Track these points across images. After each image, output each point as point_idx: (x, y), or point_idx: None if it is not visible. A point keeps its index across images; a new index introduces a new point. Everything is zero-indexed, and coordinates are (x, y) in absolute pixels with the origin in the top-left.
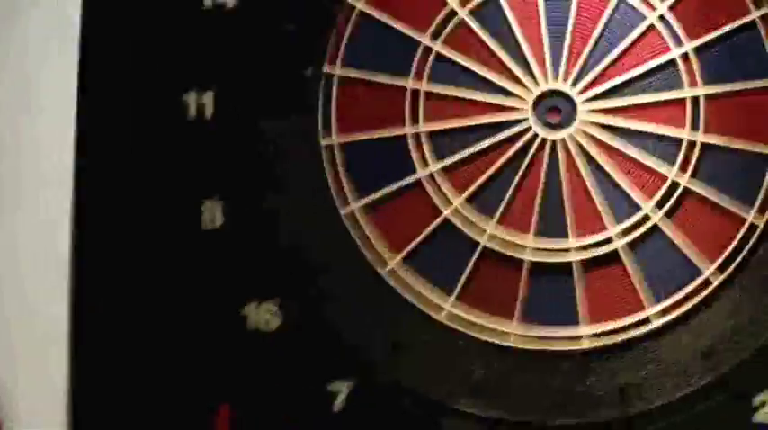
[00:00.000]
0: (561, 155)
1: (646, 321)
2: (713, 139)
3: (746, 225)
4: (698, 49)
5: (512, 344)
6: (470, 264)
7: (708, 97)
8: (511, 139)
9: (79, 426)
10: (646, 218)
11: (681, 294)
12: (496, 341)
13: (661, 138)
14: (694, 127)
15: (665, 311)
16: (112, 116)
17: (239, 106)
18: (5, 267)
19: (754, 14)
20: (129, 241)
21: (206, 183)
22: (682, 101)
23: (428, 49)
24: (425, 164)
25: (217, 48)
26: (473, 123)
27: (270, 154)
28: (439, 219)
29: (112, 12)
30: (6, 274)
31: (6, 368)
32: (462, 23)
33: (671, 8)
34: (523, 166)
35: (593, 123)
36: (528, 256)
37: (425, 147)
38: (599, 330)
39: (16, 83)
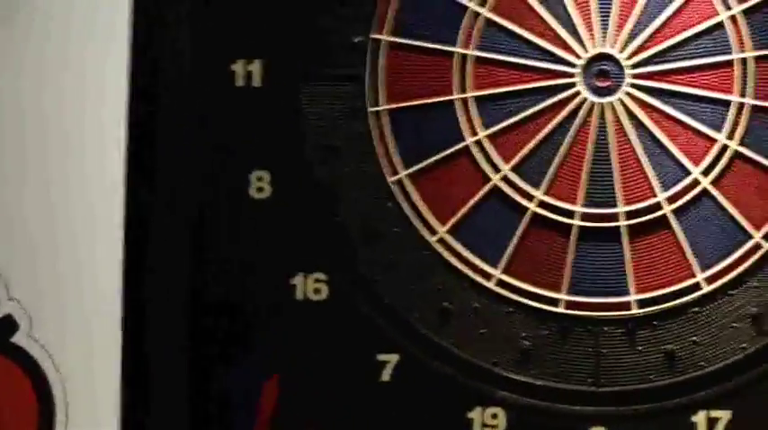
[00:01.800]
0: (609, 119)
1: (695, 287)
2: (762, 103)
3: None
4: (746, 12)
5: (561, 311)
6: (519, 231)
7: (757, 59)
8: (560, 104)
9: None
10: (694, 182)
11: (730, 259)
12: (545, 307)
13: (709, 101)
14: (743, 90)
15: (714, 277)
16: (163, 83)
17: (287, 74)
18: (62, 232)
19: None
20: (180, 208)
21: (254, 152)
22: (730, 64)
23: (476, 15)
24: (473, 131)
25: (264, 16)
26: (521, 88)
27: (318, 122)
28: (488, 186)
29: None
30: (63, 238)
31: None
32: None
33: None
34: (572, 132)
35: (641, 87)
36: (576, 222)
37: (473, 113)
38: (648, 296)
39: (74, 60)
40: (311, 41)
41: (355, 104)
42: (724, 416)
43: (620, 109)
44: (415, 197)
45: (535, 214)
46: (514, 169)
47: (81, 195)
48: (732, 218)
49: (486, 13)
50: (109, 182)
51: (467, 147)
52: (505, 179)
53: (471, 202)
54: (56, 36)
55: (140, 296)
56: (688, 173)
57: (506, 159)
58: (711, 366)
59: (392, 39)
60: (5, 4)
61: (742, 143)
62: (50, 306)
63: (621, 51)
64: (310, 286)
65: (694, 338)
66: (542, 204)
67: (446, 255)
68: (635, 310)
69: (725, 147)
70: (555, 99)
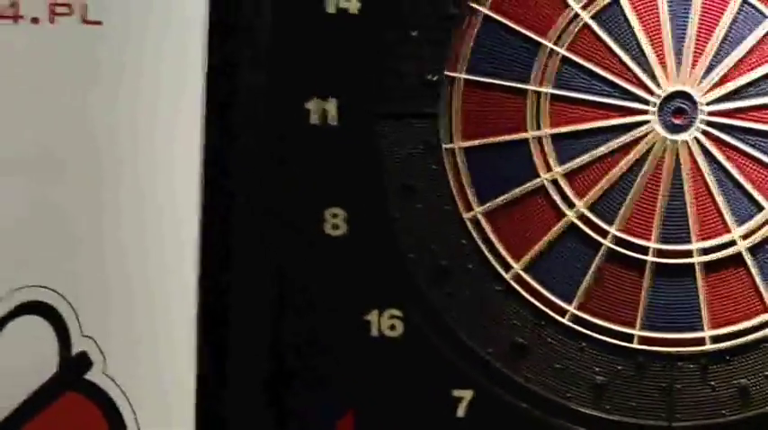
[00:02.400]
0: (684, 156)
1: None
2: None
3: None
4: None
5: (635, 346)
6: (594, 266)
7: None
8: (634, 142)
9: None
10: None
11: None
12: (620, 343)
13: None
14: None
15: None
16: (238, 123)
17: (362, 112)
18: (136, 274)
19: None
20: (257, 245)
21: (329, 189)
22: None
23: (552, 53)
24: (548, 168)
25: (340, 53)
26: (597, 126)
27: (392, 160)
28: (562, 222)
29: (234, 17)
30: (137, 274)
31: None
32: (585, 26)
33: None
34: (646, 168)
35: (715, 125)
36: (651, 258)
37: (548, 151)
38: (721, 332)
39: (149, 90)
40: (386, 79)
41: (430, 142)
42: None
43: (694, 146)
44: (490, 234)
45: (610, 250)
46: (589, 206)
47: (156, 234)
48: None
49: (561, 50)
50: (184, 222)
51: (542, 184)
52: (580, 216)
53: (546, 239)
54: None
55: (217, 337)
56: (762, 209)
57: (581, 196)
58: None
59: (467, 76)
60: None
61: None
62: (124, 344)
63: (696, 88)
64: (385, 323)
65: (767, 373)
66: (617, 240)
67: (521, 291)
68: (709, 346)
69: None
70: (629, 136)
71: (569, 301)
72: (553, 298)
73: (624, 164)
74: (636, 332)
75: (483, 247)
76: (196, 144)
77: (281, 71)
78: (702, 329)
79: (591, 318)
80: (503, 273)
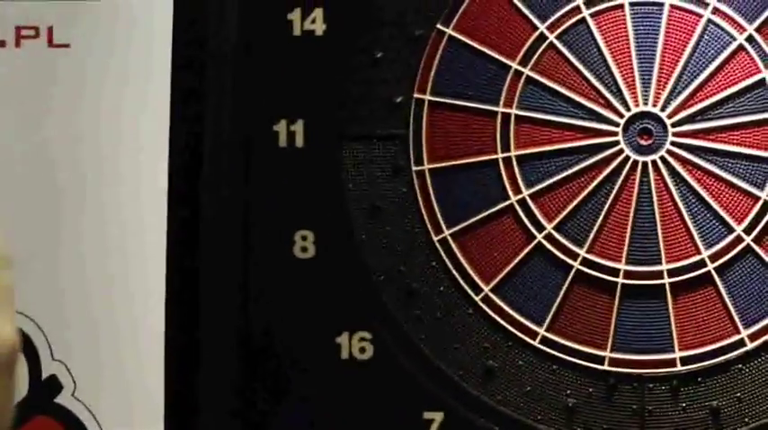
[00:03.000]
0: (652, 177)
1: (739, 344)
2: None
3: None
4: None
5: (606, 368)
6: (564, 288)
7: None
8: (602, 163)
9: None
10: (737, 240)
11: None
12: (590, 365)
13: (752, 159)
14: None
15: (758, 334)
16: (206, 146)
17: (330, 134)
18: (104, 299)
19: None
20: (225, 268)
21: (298, 212)
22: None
23: (518, 74)
24: (517, 189)
25: (306, 75)
26: (564, 147)
27: (360, 182)
28: (531, 245)
29: (199, 40)
30: (105, 299)
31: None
32: (551, 47)
33: (759, 29)
34: (615, 190)
35: (683, 145)
36: (620, 280)
37: (516, 172)
38: (692, 353)
39: (114, 112)
40: (353, 101)
41: (398, 164)
42: None
43: (662, 166)
44: (460, 256)
45: (579, 272)
46: (558, 227)
47: (122, 259)
48: None
49: (528, 72)
50: (151, 245)
51: (511, 205)
52: (549, 237)
53: (515, 261)
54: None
55: (188, 358)
56: (731, 230)
57: (550, 218)
58: (756, 422)
59: (434, 98)
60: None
61: None
62: (94, 368)
63: (663, 110)
64: (355, 345)
65: (738, 394)
66: (586, 262)
67: (490, 313)
68: (679, 367)
69: (767, 205)
70: (598, 157)
71: (540, 323)
72: (523, 320)
73: (592, 185)
74: (607, 354)
75: (453, 269)
76: (163, 167)
77: (248, 94)
78: (673, 351)
79: (561, 340)
80: (472, 295)
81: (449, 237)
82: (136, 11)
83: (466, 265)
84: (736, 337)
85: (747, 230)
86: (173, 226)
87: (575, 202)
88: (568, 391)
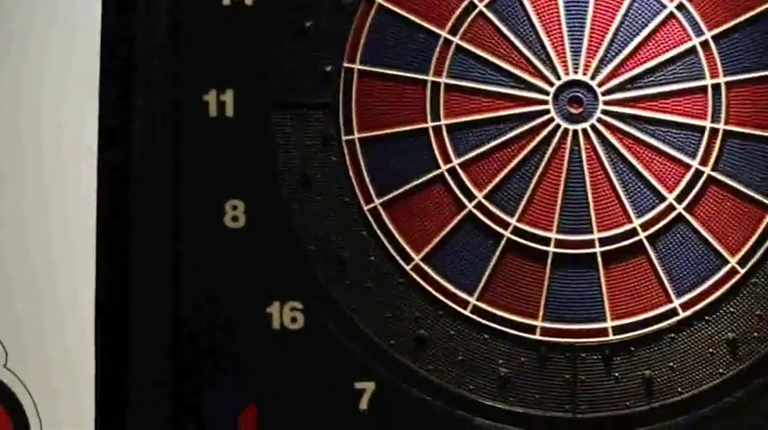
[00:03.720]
0: (583, 145)
1: (671, 313)
2: (735, 128)
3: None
4: (717, 37)
5: (538, 338)
6: (495, 258)
7: (728, 85)
8: (532, 131)
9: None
10: (669, 208)
11: (706, 285)
12: (522, 335)
13: (683, 127)
14: (715, 116)
15: (690, 303)
16: (136, 117)
17: (259, 104)
18: (37, 271)
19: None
20: (157, 239)
21: (228, 182)
22: (703, 89)
23: (448, 43)
24: (447, 158)
25: (236, 45)
26: (494, 116)
27: (291, 151)
28: (462, 214)
29: (131, 10)
30: (38, 271)
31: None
32: (481, 16)
33: None
34: (546, 158)
35: (614, 114)
36: (552, 249)
37: (447, 141)
38: (624, 322)
39: (37, 78)
40: (282, 71)
41: (328, 133)
42: None
43: (593, 135)
44: (390, 225)
45: (510, 241)
46: (488, 196)
47: (55, 231)
48: (707, 243)
49: (457, 40)
50: (80, 215)
51: (441, 174)
52: (480, 206)
53: (446, 230)
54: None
55: (120, 327)
56: (663, 198)
57: (480, 187)
58: (688, 392)
59: (364, 67)
60: None
61: (716, 169)
62: (26, 340)
63: (594, 78)
64: (287, 315)
65: (671, 364)
66: (517, 231)
67: (421, 282)
68: (611, 337)
69: (699, 173)
70: (528, 126)
71: (471, 293)
72: (455, 289)
73: (523, 153)
74: (538, 323)
75: (383, 239)
76: (91, 138)
77: (178, 64)
78: (605, 320)
79: (493, 309)
80: (403, 264)
81: (379, 207)
82: None
83: (396, 235)
84: (668, 306)
85: (679, 198)
86: (102, 196)
87: (505, 171)
88: (500, 361)
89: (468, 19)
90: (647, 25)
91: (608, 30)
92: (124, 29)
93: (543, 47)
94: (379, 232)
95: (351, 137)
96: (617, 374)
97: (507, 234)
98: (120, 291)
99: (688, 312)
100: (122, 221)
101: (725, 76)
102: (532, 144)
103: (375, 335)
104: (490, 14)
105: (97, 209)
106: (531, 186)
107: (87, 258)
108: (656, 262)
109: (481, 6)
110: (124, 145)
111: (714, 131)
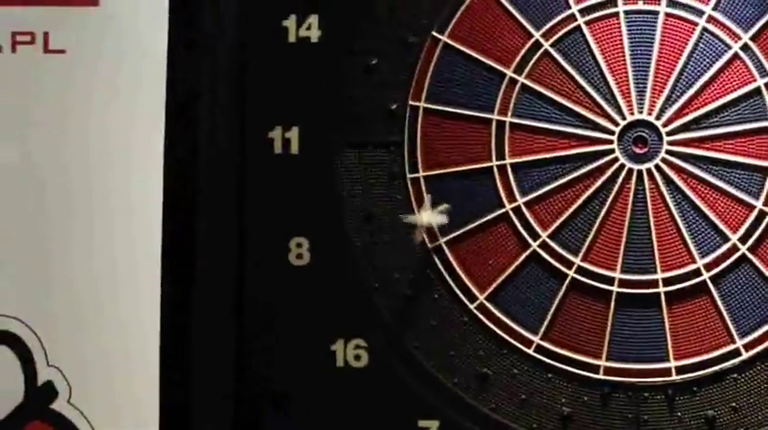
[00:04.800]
0: (647, 185)
1: (734, 353)
2: None
3: None
4: None
5: (601, 377)
6: (558, 297)
7: None
8: (597, 171)
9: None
10: (733, 249)
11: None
12: (585, 373)
13: (746, 167)
14: None
15: (753, 343)
16: (202, 155)
17: (325, 141)
18: (105, 305)
19: None
20: (221, 276)
21: (293, 219)
22: (767, 130)
23: (513, 82)
24: (512, 197)
25: (301, 82)
26: (558, 155)
27: (355, 189)
28: (526, 253)
29: (197, 47)
30: (105, 305)
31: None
32: (546, 54)
33: (754, 38)
34: (610, 198)
35: (678, 154)
36: (615, 288)
37: (511, 180)
38: (687, 363)
39: (106, 110)
40: (347, 108)
41: (393, 171)
42: None
43: (657, 175)
44: (455, 264)
45: (574, 280)
46: (553, 236)
47: (124, 264)
48: None
49: (522, 79)
50: (145, 251)
51: (506, 213)
52: (544, 245)
53: (510, 269)
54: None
55: (183, 365)
56: (726, 239)
57: (545, 226)
58: None
59: (429, 105)
60: None
61: None
62: (90, 375)
63: (659, 118)
64: (350, 352)
65: (734, 404)
66: (581, 270)
67: (485, 320)
68: (675, 377)
69: (763, 214)
70: (592, 166)
71: (534, 332)
72: (518, 328)
73: (587, 193)
74: (602, 363)
75: (447, 277)
76: (158, 173)
77: (243, 101)
78: (668, 360)
79: (556, 348)
80: (467, 302)
81: (443, 245)
82: (130, 21)
83: (461, 273)
84: (731, 347)
85: (743, 239)
86: (168, 233)
87: (570, 211)
88: (563, 400)
89: (534, 58)
90: (711, 65)
91: (673, 70)
92: (190, 64)
93: (608, 86)
94: (443, 270)
95: (416, 175)
96: (680, 414)
97: (571, 274)
98: (184, 328)
99: (751, 352)
100: (186, 258)
101: None
102: (597, 184)
103: (438, 374)
104: (555, 53)
105: (162, 243)
106: (596, 226)
107: (151, 295)
108: (719, 302)
109: (546, 45)
110: (190, 180)
111: None
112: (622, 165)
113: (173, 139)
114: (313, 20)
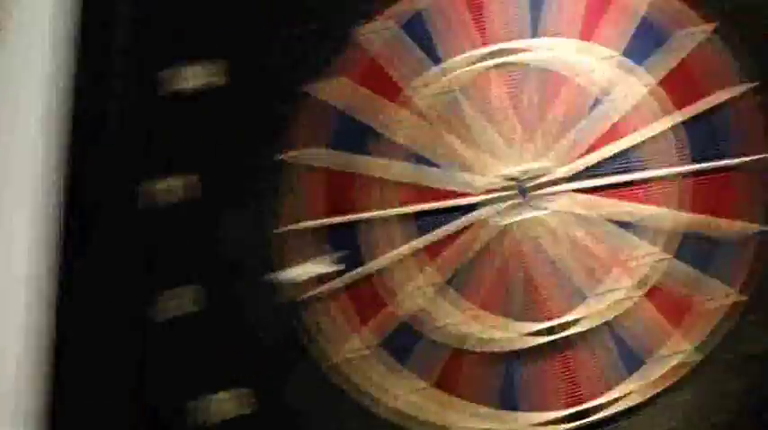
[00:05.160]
0: (534, 233)
1: (622, 399)
2: (694, 218)
3: (726, 304)
4: (682, 125)
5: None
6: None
7: (686, 175)
8: (475, 225)
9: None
10: (625, 296)
11: (657, 373)
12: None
13: (645, 215)
14: (677, 205)
15: (641, 390)
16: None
17: (204, 194)
18: None
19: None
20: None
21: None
22: (662, 178)
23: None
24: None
25: (183, 134)
26: (435, 207)
27: (228, 243)
28: (398, 305)
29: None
30: None
31: None
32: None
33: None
34: (492, 249)
35: (572, 202)
36: (505, 344)
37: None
38: (575, 410)
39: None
40: (223, 161)
41: (261, 224)
42: None
43: (552, 221)
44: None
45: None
46: (435, 288)
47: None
48: (662, 331)
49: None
50: None
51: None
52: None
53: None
54: None
55: None
56: (617, 287)
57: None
58: None
59: (301, 159)
60: None
61: (673, 258)
62: None
63: (550, 163)
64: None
65: None
66: (462, 325)
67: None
68: (563, 426)
69: (657, 262)
70: (470, 218)
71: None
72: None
73: (470, 245)
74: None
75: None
76: None
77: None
78: (556, 408)
79: (437, 405)
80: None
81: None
82: None
83: (329, 331)
84: (616, 393)
85: (636, 287)
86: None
87: (459, 260)
88: None
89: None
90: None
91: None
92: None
93: (491, 134)
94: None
95: (283, 229)
96: None
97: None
98: None
99: (638, 400)
100: None
101: (684, 164)
102: (482, 236)
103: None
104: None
105: None
106: (477, 277)
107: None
108: (606, 350)
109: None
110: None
111: (673, 221)
112: (512, 215)
113: None
114: None
